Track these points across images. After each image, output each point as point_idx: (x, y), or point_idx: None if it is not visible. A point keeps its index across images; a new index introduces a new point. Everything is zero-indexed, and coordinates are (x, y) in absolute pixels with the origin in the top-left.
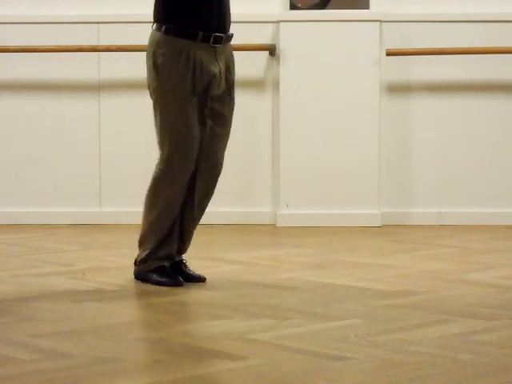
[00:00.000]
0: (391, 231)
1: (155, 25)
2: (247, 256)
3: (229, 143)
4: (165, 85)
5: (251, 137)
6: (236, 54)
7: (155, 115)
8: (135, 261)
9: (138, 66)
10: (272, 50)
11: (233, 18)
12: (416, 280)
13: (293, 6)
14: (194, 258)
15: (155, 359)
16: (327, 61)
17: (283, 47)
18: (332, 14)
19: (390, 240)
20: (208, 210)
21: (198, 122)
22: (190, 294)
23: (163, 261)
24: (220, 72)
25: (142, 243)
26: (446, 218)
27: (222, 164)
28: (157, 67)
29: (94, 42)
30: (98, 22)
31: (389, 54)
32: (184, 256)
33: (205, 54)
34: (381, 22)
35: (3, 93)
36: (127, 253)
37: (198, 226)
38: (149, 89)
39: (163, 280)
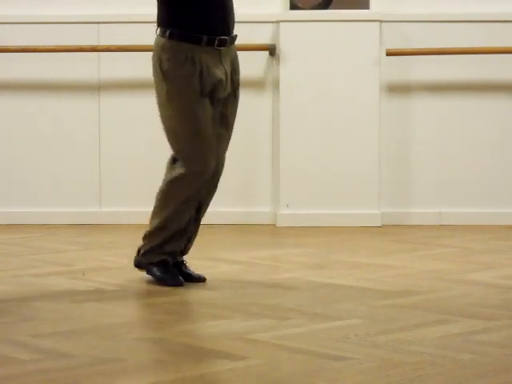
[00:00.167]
0: (391, 231)
1: (159, 30)
2: (247, 256)
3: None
4: (172, 89)
5: (251, 137)
6: None
7: (164, 120)
8: (138, 250)
9: (138, 66)
10: (272, 50)
11: None
12: (416, 280)
13: (293, 6)
14: (194, 258)
15: (155, 359)
16: (327, 61)
17: (283, 47)
18: (332, 14)
19: (390, 240)
20: (208, 209)
21: (211, 120)
22: (190, 294)
23: (167, 256)
24: (226, 74)
25: (149, 236)
26: (446, 217)
27: (223, 165)
28: (163, 72)
29: (94, 42)
30: (98, 22)
31: (389, 54)
32: (184, 256)
33: (210, 57)
34: (381, 22)
35: (3, 93)
36: (127, 253)
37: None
38: (156, 92)
39: (164, 276)
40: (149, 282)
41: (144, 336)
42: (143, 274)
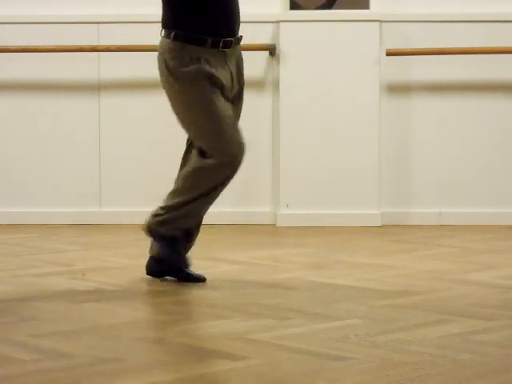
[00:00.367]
0: (391, 231)
1: (164, 31)
2: (247, 256)
3: None
4: (182, 84)
5: (251, 137)
6: None
7: (181, 118)
8: (154, 215)
9: (138, 66)
10: (272, 50)
11: None
12: (416, 280)
13: (293, 6)
14: (194, 258)
15: (155, 359)
16: (327, 61)
17: (283, 47)
18: (332, 14)
19: (390, 240)
20: (208, 209)
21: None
22: (190, 294)
23: (178, 231)
24: (231, 75)
25: (167, 208)
26: (446, 217)
27: None
28: (169, 71)
29: (94, 42)
30: (98, 22)
31: (389, 54)
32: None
33: (215, 59)
34: (381, 22)
35: (3, 93)
36: (127, 253)
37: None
38: (168, 95)
39: (170, 254)
40: (149, 282)
41: (144, 336)
42: (143, 274)
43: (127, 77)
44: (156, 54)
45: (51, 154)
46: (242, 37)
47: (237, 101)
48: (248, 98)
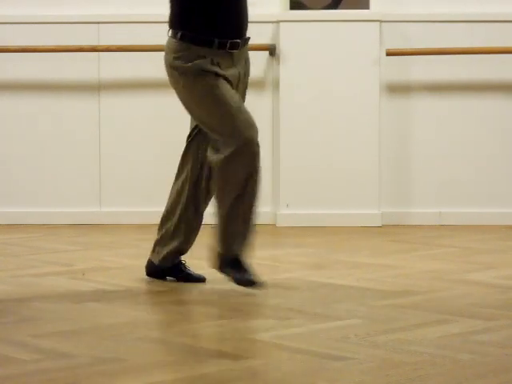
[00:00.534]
0: (391, 231)
1: (170, 31)
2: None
3: None
4: (188, 79)
5: None
6: None
7: (191, 112)
8: (217, 253)
9: (138, 66)
10: (272, 50)
11: None
12: (416, 280)
13: (293, 6)
14: (194, 258)
15: (155, 359)
16: (327, 61)
17: (283, 47)
18: (332, 14)
19: (390, 240)
20: (208, 210)
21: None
22: (190, 294)
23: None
24: (239, 75)
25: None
26: (446, 217)
27: None
28: (176, 69)
29: (94, 42)
30: (98, 22)
31: (389, 54)
32: (182, 256)
33: (221, 59)
34: (381, 22)
35: (3, 93)
36: (127, 253)
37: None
38: (177, 92)
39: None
40: (149, 282)
41: (144, 336)
42: (143, 274)
43: (127, 77)
44: (162, 54)
45: (51, 154)
46: (249, 38)
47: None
48: (248, 97)
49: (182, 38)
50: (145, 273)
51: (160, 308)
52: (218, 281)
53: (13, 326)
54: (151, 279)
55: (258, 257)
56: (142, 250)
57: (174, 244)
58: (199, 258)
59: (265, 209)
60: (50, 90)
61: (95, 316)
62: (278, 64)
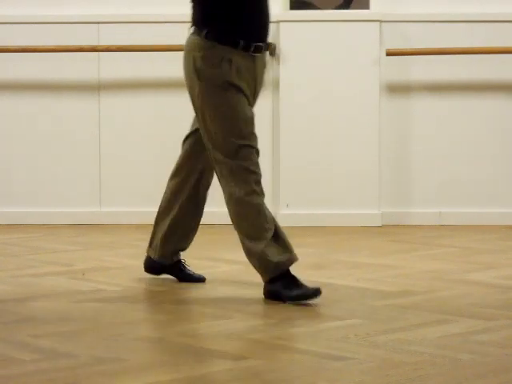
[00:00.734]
0: (391, 231)
1: (193, 29)
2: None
3: None
4: (205, 86)
5: None
6: None
7: (203, 119)
8: (267, 280)
9: (138, 66)
10: (272, 50)
11: None
12: (416, 280)
13: (293, 6)
14: (194, 258)
15: (155, 359)
16: (327, 61)
17: (283, 47)
18: (332, 14)
19: (389, 240)
20: (208, 210)
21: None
22: (190, 294)
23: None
24: (255, 81)
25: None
26: (446, 217)
27: None
28: (197, 71)
29: (94, 42)
30: (98, 22)
31: (389, 54)
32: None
33: (244, 62)
34: (381, 22)
35: (3, 93)
36: (127, 253)
37: (198, 226)
38: (191, 95)
39: (297, 292)
40: (148, 282)
41: (144, 336)
42: (143, 274)
43: (127, 77)
44: (161, 54)
45: (51, 154)
46: (271, 43)
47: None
48: None
49: (206, 36)
50: (143, 269)
51: (160, 308)
52: (218, 281)
53: (13, 326)
54: (151, 276)
55: None
56: (142, 250)
57: (172, 242)
58: (199, 258)
59: None
60: (49, 90)
61: (95, 316)
62: (278, 64)
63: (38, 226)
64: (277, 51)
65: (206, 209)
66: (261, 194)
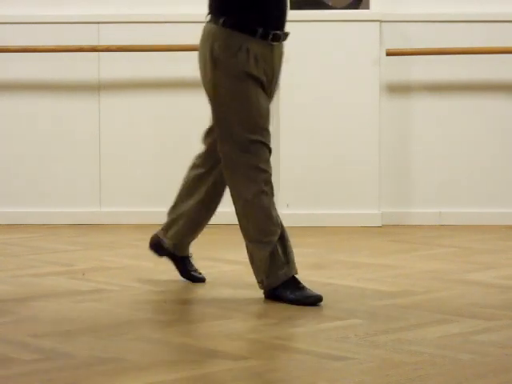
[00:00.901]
0: (391, 231)
1: (210, 17)
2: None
3: None
4: (221, 76)
5: None
6: None
7: (215, 109)
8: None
9: (138, 66)
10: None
11: None
12: (416, 280)
13: (293, 6)
14: (195, 258)
15: (155, 359)
16: (327, 61)
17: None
18: (332, 14)
19: (389, 240)
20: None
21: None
22: (190, 294)
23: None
24: (273, 70)
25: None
26: (445, 217)
27: None
28: (214, 59)
29: (94, 42)
30: (98, 22)
31: (389, 54)
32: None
33: (262, 51)
34: (381, 22)
35: (3, 93)
36: (127, 253)
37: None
38: (205, 84)
39: (299, 295)
40: (148, 282)
41: (144, 336)
42: (143, 274)
43: (127, 77)
44: (161, 54)
45: (51, 154)
46: (289, 32)
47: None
48: None
49: (224, 24)
50: (148, 245)
51: (160, 308)
52: (218, 281)
53: (13, 326)
54: (151, 277)
55: None
56: (142, 250)
57: (184, 236)
58: (199, 258)
59: None
60: (49, 90)
61: (95, 316)
62: None
63: (38, 225)
64: None
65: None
66: (270, 193)
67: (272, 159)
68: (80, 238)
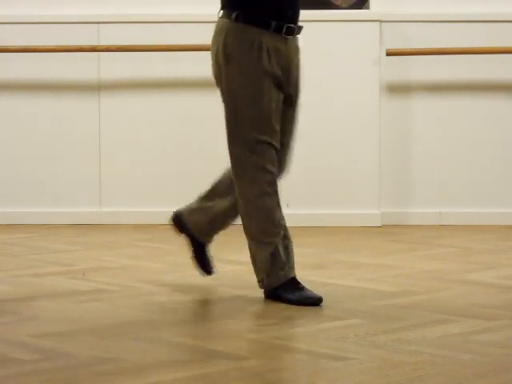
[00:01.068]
0: (391, 231)
1: (223, 11)
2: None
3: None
4: (233, 71)
5: None
6: None
7: (226, 105)
8: (260, 281)
9: (138, 66)
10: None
11: None
12: (416, 280)
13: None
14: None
15: (155, 359)
16: (327, 61)
17: None
18: (332, 14)
19: (389, 240)
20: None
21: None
22: (190, 294)
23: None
24: (290, 65)
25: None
26: (446, 218)
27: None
28: (226, 55)
29: (94, 42)
30: (98, 22)
31: (389, 54)
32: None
33: (276, 44)
34: (381, 22)
35: (3, 93)
36: (127, 253)
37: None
38: (216, 79)
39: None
40: (149, 282)
41: (144, 336)
42: (143, 274)
43: (127, 77)
44: (161, 54)
45: (51, 154)
46: (302, 26)
47: (294, 104)
48: None
49: (237, 19)
50: (170, 219)
51: (160, 308)
52: (218, 281)
53: (13, 326)
54: (151, 277)
55: None
56: (142, 250)
57: (211, 228)
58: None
59: None
60: (49, 90)
61: (95, 316)
62: None
63: (38, 225)
64: None
65: None
66: (273, 194)
67: None
68: (80, 237)
